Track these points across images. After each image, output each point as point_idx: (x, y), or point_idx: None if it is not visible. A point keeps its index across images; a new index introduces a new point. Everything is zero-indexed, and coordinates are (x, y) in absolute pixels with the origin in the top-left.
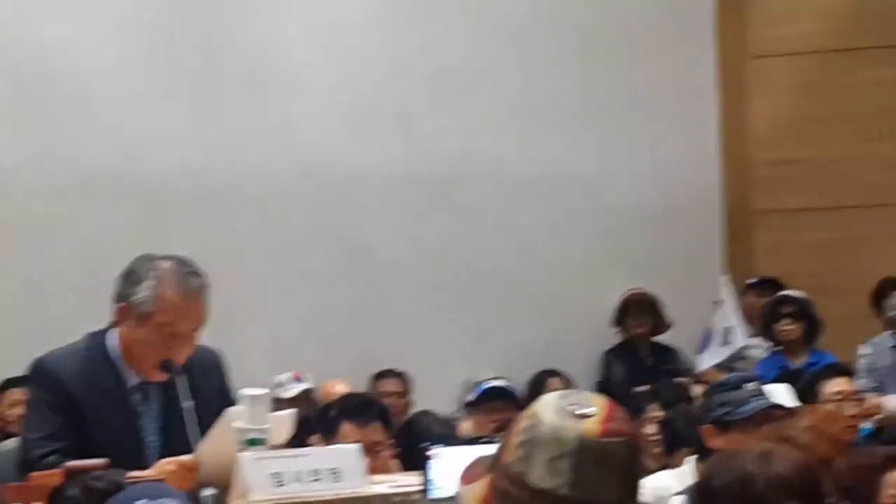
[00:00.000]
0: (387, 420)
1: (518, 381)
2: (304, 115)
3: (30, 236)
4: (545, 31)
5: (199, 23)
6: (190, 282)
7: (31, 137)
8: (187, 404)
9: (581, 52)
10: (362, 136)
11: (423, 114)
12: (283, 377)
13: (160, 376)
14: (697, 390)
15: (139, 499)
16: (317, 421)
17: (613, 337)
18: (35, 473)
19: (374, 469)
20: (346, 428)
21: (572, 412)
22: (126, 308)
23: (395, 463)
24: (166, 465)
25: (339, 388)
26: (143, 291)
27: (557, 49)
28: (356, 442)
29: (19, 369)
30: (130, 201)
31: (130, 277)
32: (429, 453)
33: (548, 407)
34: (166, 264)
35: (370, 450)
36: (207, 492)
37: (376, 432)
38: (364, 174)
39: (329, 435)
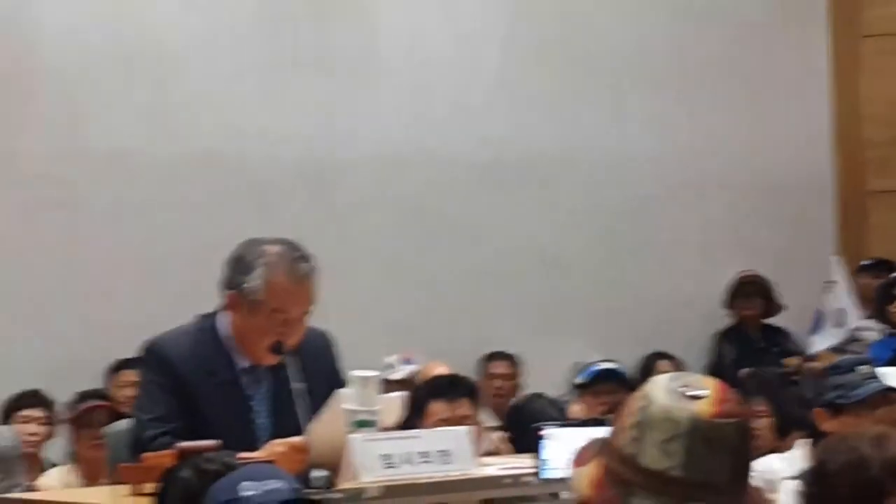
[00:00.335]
0: (475, 397)
1: (627, 364)
2: (415, 98)
3: (144, 218)
4: (660, 7)
5: (315, 7)
6: (299, 266)
7: (146, 121)
8: (297, 386)
9: (695, 30)
10: (470, 121)
11: (534, 95)
12: (393, 359)
13: (272, 360)
14: (808, 372)
15: (244, 480)
16: (409, 402)
17: (724, 319)
18: (147, 454)
19: None
20: (435, 406)
21: (684, 393)
22: (237, 296)
23: (506, 446)
24: (276, 446)
25: (439, 370)
26: (254, 279)
27: (672, 26)
28: (444, 419)
29: (132, 351)
30: (243, 185)
31: (239, 264)
32: (542, 433)
33: (660, 388)
34: (275, 249)
35: (458, 425)
36: (317, 473)
37: (464, 407)
38: (472, 159)
39: (418, 414)
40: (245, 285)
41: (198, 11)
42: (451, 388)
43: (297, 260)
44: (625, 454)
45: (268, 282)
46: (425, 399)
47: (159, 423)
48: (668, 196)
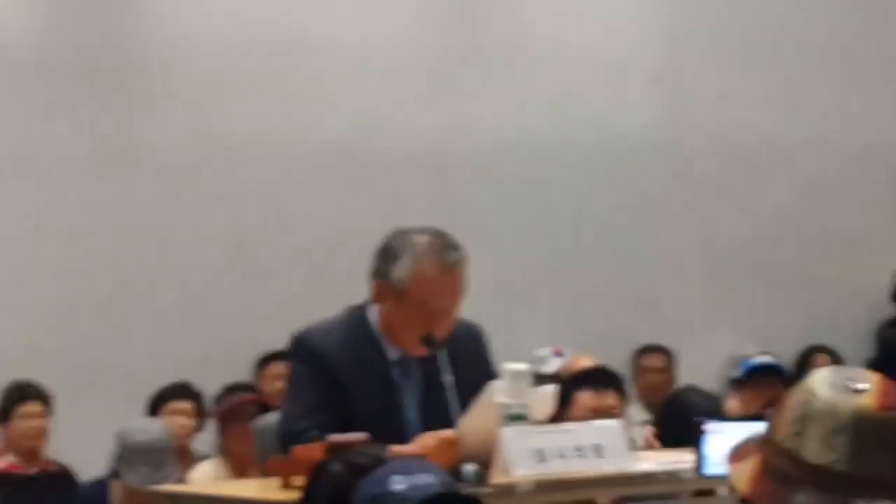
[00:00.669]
0: (622, 389)
1: (783, 358)
2: (562, 82)
3: (277, 208)
4: None
5: None
6: (448, 256)
7: (278, 110)
8: (448, 379)
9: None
10: (615, 109)
11: (686, 79)
12: (544, 352)
13: (421, 351)
14: None
15: (395, 474)
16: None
17: (885, 312)
18: (297, 448)
19: None
20: (582, 396)
21: (847, 387)
22: (384, 285)
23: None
24: (427, 440)
25: (585, 362)
26: (401, 269)
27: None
28: (591, 409)
29: (280, 343)
30: (371, 175)
31: (387, 254)
32: (703, 428)
33: (822, 382)
34: (423, 238)
35: (605, 415)
36: (469, 467)
37: (611, 398)
38: (629, 144)
39: (565, 405)
40: (392, 275)
41: (340, 5)
42: (598, 378)
43: (445, 249)
44: (786, 448)
45: (415, 272)
46: (572, 389)
47: (308, 416)
48: (828, 185)
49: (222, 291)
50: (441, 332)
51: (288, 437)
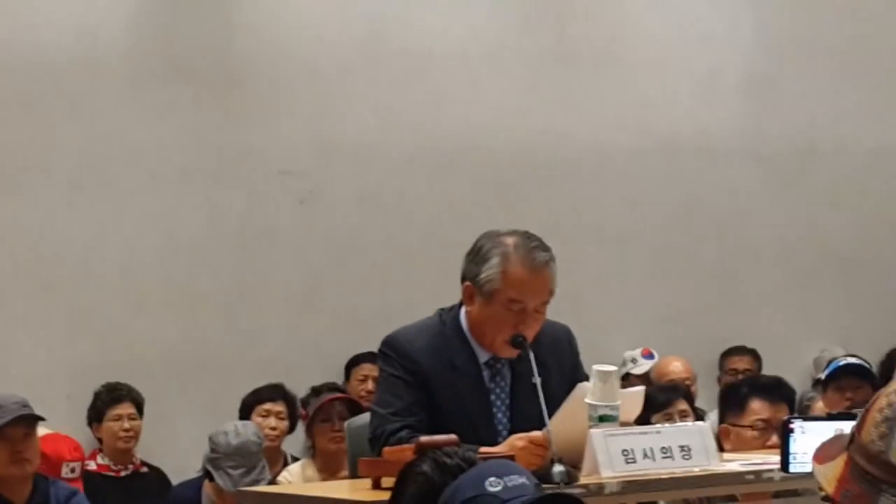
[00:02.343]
0: (793, 404)
1: (869, 359)
2: (661, 88)
3: (387, 213)
4: None
5: (559, 2)
6: (536, 256)
7: (391, 116)
8: (537, 380)
9: None
10: (716, 109)
11: (778, 84)
12: (634, 353)
13: (511, 352)
14: None
15: (489, 476)
16: (723, 395)
17: None
18: (387, 449)
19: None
20: (757, 405)
21: None
22: (472, 287)
23: None
24: (517, 441)
25: (676, 365)
26: (490, 269)
27: None
28: (764, 419)
29: (371, 345)
30: (480, 176)
31: (477, 256)
32: (791, 426)
33: None
34: (511, 240)
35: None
36: (558, 468)
37: (783, 411)
38: (717, 148)
39: (738, 409)
40: (481, 275)
41: (447, 8)
42: (774, 389)
43: (533, 249)
44: (872, 451)
45: (503, 271)
46: (748, 396)
47: (399, 417)
48: None
49: (317, 293)
50: (529, 332)
51: (379, 438)
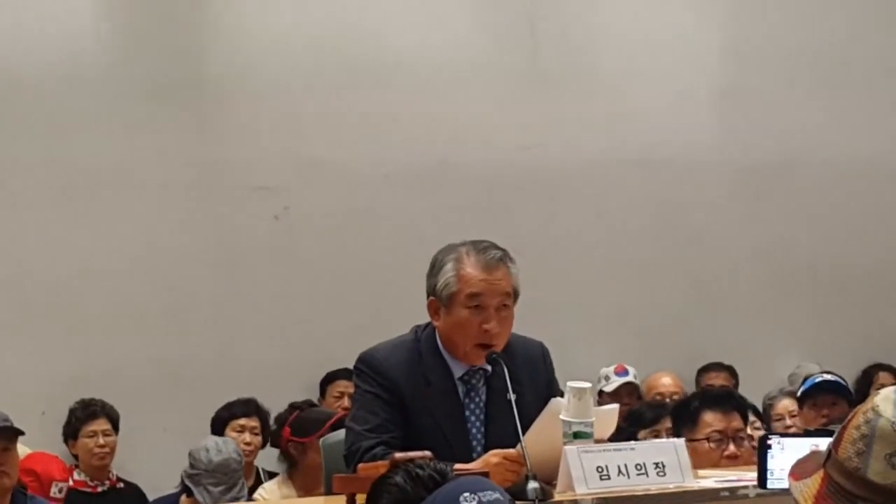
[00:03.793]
0: (746, 413)
1: (845, 375)
2: (635, 102)
3: (364, 229)
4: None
5: (534, 19)
6: (489, 253)
7: (365, 130)
8: (511, 396)
9: None
10: (689, 122)
11: (754, 96)
12: (608, 370)
13: (480, 358)
14: None
15: (463, 492)
16: (675, 412)
17: None
18: (362, 465)
19: (739, 456)
20: (710, 417)
21: None
22: (435, 301)
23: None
24: (491, 457)
25: (665, 381)
26: (445, 275)
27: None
28: (718, 430)
29: (344, 362)
30: (456, 192)
31: (433, 269)
32: (768, 442)
33: (887, 401)
34: (463, 247)
35: (732, 437)
36: (532, 484)
37: (737, 420)
38: (691, 161)
39: (691, 424)
40: (438, 284)
41: (422, 23)
42: (725, 400)
43: (485, 249)
44: (849, 468)
45: (457, 273)
46: (700, 409)
47: (374, 434)
48: (893, 203)
49: (291, 309)
50: (496, 332)
51: (354, 455)
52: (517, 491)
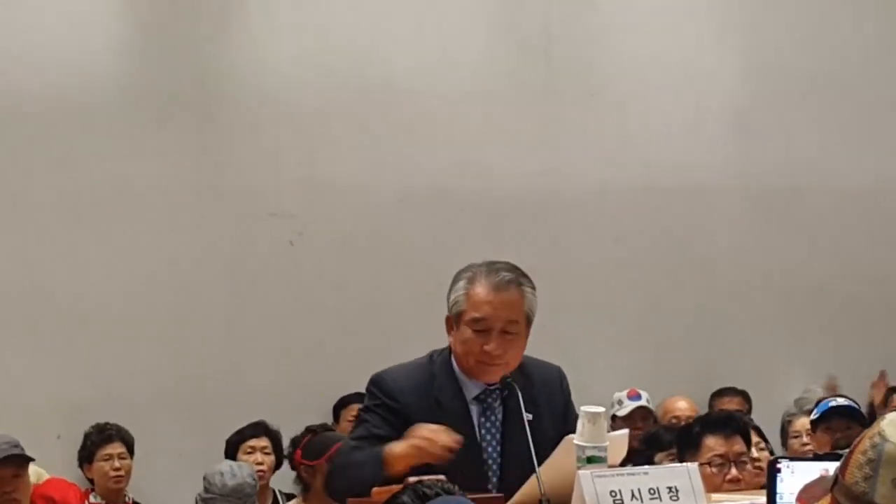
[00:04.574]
0: (749, 435)
1: (858, 397)
2: (648, 126)
3: (371, 252)
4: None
5: (542, 44)
6: (499, 275)
7: (375, 156)
8: (527, 416)
9: None
10: (702, 146)
11: (767, 120)
12: (620, 395)
13: (487, 375)
14: None
15: None
16: (678, 437)
17: None
18: (376, 490)
19: (741, 480)
20: (712, 441)
21: None
22: (449, 317)
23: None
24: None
25: (681, 404)
26: (457, 292)
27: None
28: (720, 455)
29: (357, 386)
30: (468, 215)
31: (451, 287)
32: (778, 466)
33: (893, 425)
34: (479, 266)
35: (734, 461)
36: None
37: (739, 444)
38: (704, 185)
39: (693, 449)
40: (450, 301)
41: (434, 48)
42: (727, 424)
43: (498, 270)
44: (856, 492)
45: (467, 292)
46: (701, 434)
47: (362, 441)
48: None
49: (304, 333)
50: (499, 353)
51: (338, 456)
52: None
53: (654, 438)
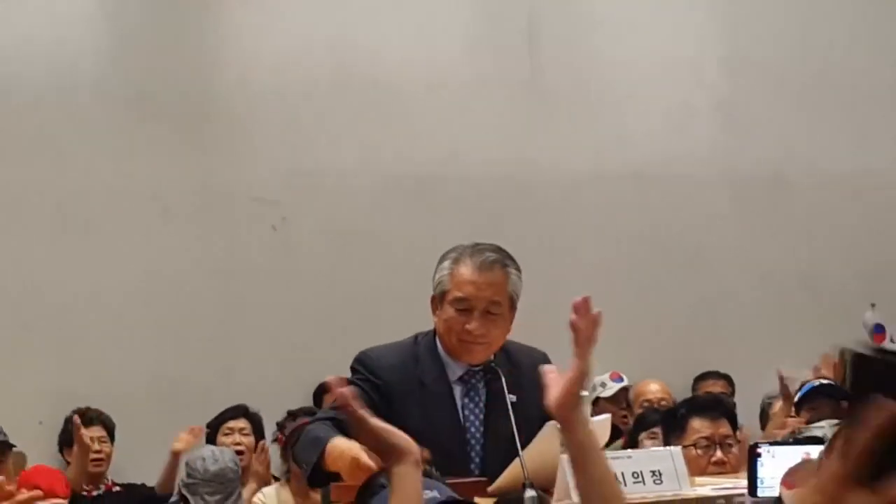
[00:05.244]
0: (735, 418)
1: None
2: (633, 117)
3: (354, 239)
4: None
5: (525, 32)
6: (484, 256)
7: (360, 144)
8: (511, 398)
9: None
10: (687, 136)
11: (752, 111)
12: (602, 378)
13: (469, 355)
14: None
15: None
16: (664, 419)
17: None
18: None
19: (727, 463)
20: (697, 423)
21: None
22: (434, 298)
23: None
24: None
25: (653, 387)
26: (441, 272)
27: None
28: (705, 437)
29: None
30: (453, 205)
31: (436, 267)
32: (758, 451)
33: None
34: (466, 247)
35: (720, 443)
36: (529, 493)
37: (724, 426)
38: (689, 175)
39: (679, 431)
40: (435, 281)
41: (420, 39)
42: (713, 406)
43: (482, 251)
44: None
45: (451, 272)
46: (687, 416)
47: (330, 411)
48: (883, 215)
49: (287, 319)
50: (481, 337)
51: (310, 424)
52: (514, 499)
53: (639, 420)
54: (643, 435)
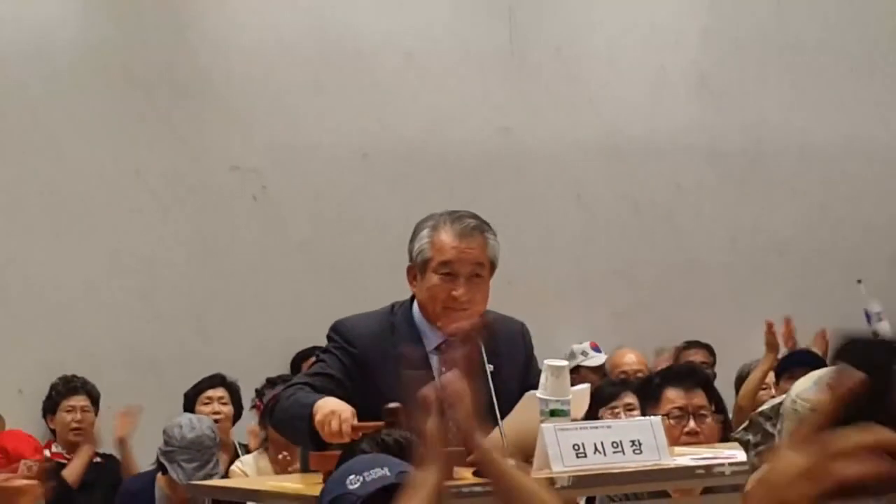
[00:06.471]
0: (712, 388)
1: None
2: (612, 86)
3: (333, 207)
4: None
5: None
6: (464, 221)
7: (338, 114)
8: (489, 367)
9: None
10: (666, 106)
11: (731, 81)
12: (583, 346)
13: (451, 322)
14: None
15: (350, 474)
16: (640, 389)
17: None
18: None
19: (699, 433)
20: (672, 394)
21: None
22: (412, 267)
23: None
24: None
25: (629, 357)
26: (421, 241)
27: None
28: (679, 407)
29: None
30: (431, 173)
31: (413, 235)
32: None
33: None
34: (443, 215)
35: (694, 414)
36: (510, 463)
37: (699, 397)
38: (667, 145)
39: (653, 401)
40: (414, 251)
41: (400, 7)
42: (687, 376)
43: (461, 217)
44: None
45: (432, 240)
46: (661, 387)
47: (312, 376)
48: (861, 187)
49: (265, 289)
50: (467, 303)
51: (286, 391)
52: None
53: (596, 393)
54: (603, 410)
